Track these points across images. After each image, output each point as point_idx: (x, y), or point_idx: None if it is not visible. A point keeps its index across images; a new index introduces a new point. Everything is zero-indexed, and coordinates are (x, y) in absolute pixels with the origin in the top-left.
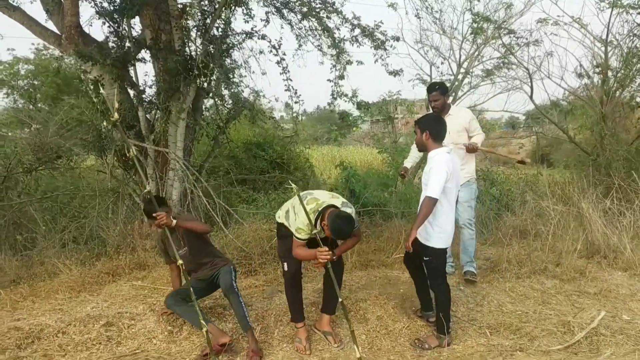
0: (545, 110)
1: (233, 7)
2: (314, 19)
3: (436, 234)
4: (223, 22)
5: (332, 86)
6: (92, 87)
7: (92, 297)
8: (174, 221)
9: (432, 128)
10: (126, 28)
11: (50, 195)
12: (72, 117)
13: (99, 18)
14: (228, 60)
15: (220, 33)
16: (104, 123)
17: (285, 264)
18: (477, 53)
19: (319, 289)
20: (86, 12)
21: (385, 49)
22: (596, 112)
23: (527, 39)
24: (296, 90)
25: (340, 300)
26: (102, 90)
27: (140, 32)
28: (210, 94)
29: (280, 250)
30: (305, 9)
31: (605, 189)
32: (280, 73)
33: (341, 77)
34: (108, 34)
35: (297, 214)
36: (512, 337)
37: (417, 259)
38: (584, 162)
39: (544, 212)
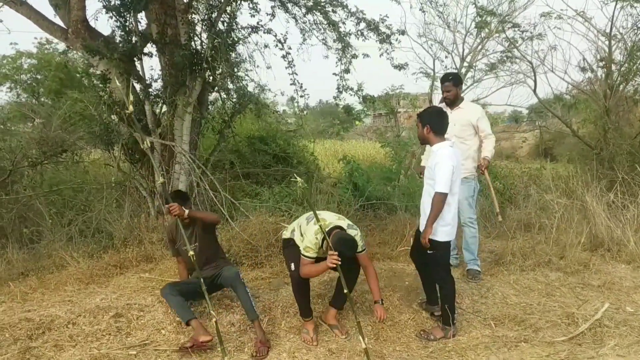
0: (548, 104)
1: (239, 1)
2: (319, 13)
3: (440, 227)
4: (228, 16)
5: (337, 80)
6: (99, 81)
7: (100, 289)
8: (187, 211)
9: (434, 122)
10: (133, 22)
11: (57, 188)
12: (75, 111)
13: (106, 12)
14: (233, 55)
15: (226, 27)
16: (113, 116)
17: (292, 263)
18: (480, 47)
19: (324, 281)
20: (91, 6)
21: (390, 43)
22: (600, 106)
23: (531, 32)
24: (302, 84)
25: (345, 291)
26: (118, 83)
27: (145, 26)
28: (216, 88)
29: (288, 254)
30: (310, 3)
31: (609, 183)
32: (286, 67)
33: (347, 70)
34: (115, 28)
35: (304, 234)
36: (517, 329)
37: (424, 253)
38: (588, 156)
39: (547, 206)
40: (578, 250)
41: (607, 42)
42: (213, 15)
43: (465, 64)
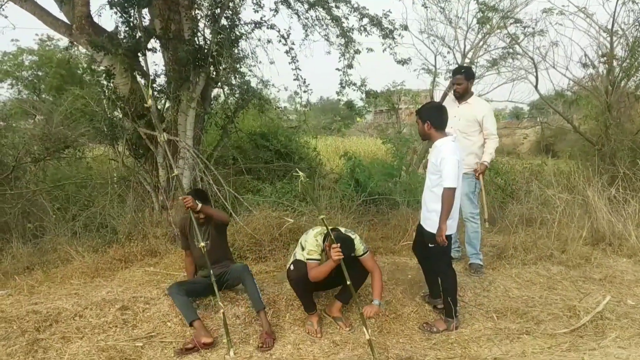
0: (550, 100)
1: None
2: (321, 9)
3: None
4: (232, 11)
5: (340, 75)
6: (104, 76)
7: (106, 283)
8: (199, 205)
9: (433, 117)
10: (137, 18)
11: (61, 184)
12: (76, 107)
13: (111, 8)
14: (236, 50)
15: (229, 23)
16: (117, 112)
17: (292, 265)
18: (482, 43)
19: None
20: (95, 2)
21: (393, 38)
22: (601, 102)
23: (532, 28)
24: (305, 79)
25: (348, 283)
26: (140, 79)
27: (149, 22)
28: (219, 84)
29: (292, 270)
30: None
31: (611, 178)
32: (289, 62)
33: (350, 66)
34: (119, 24)
35: (304, 245)
36: (519, 321)
37: (425, 246)
38: (589, 152)
39: (549, 201)
40: (579, 245)
41: (608, 38)
42: (216, 11)
43: (467, 60)
